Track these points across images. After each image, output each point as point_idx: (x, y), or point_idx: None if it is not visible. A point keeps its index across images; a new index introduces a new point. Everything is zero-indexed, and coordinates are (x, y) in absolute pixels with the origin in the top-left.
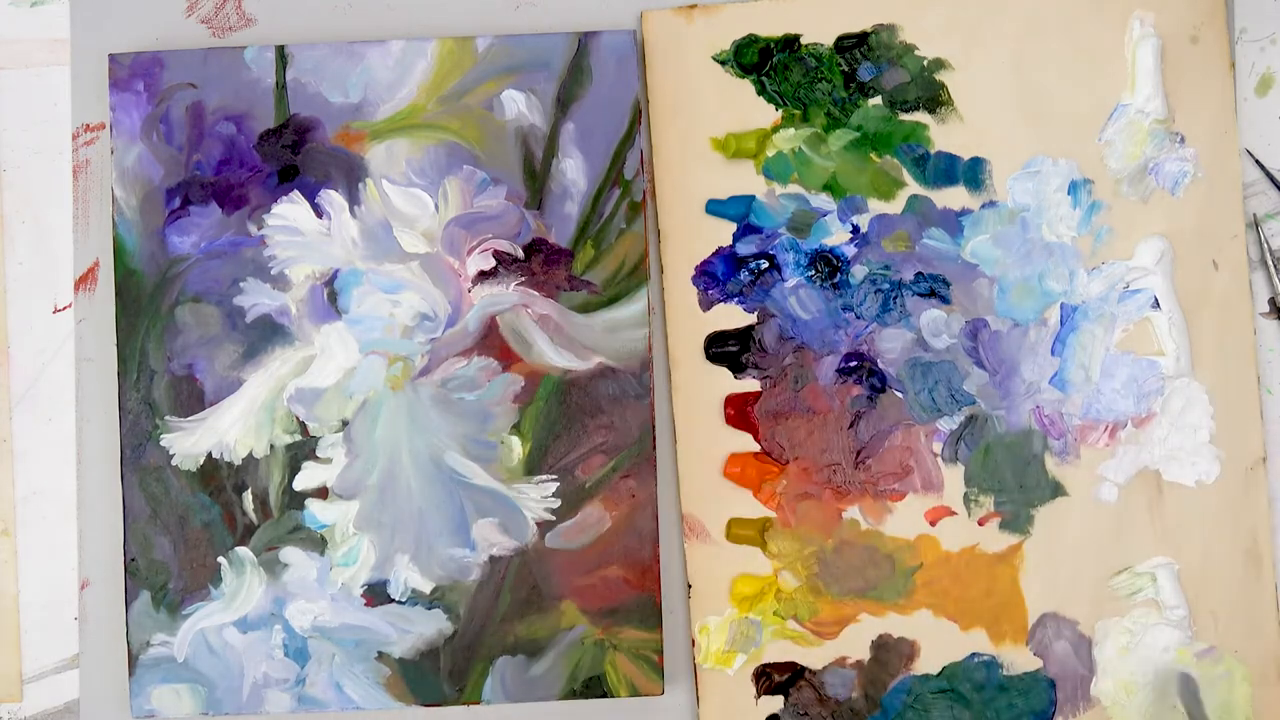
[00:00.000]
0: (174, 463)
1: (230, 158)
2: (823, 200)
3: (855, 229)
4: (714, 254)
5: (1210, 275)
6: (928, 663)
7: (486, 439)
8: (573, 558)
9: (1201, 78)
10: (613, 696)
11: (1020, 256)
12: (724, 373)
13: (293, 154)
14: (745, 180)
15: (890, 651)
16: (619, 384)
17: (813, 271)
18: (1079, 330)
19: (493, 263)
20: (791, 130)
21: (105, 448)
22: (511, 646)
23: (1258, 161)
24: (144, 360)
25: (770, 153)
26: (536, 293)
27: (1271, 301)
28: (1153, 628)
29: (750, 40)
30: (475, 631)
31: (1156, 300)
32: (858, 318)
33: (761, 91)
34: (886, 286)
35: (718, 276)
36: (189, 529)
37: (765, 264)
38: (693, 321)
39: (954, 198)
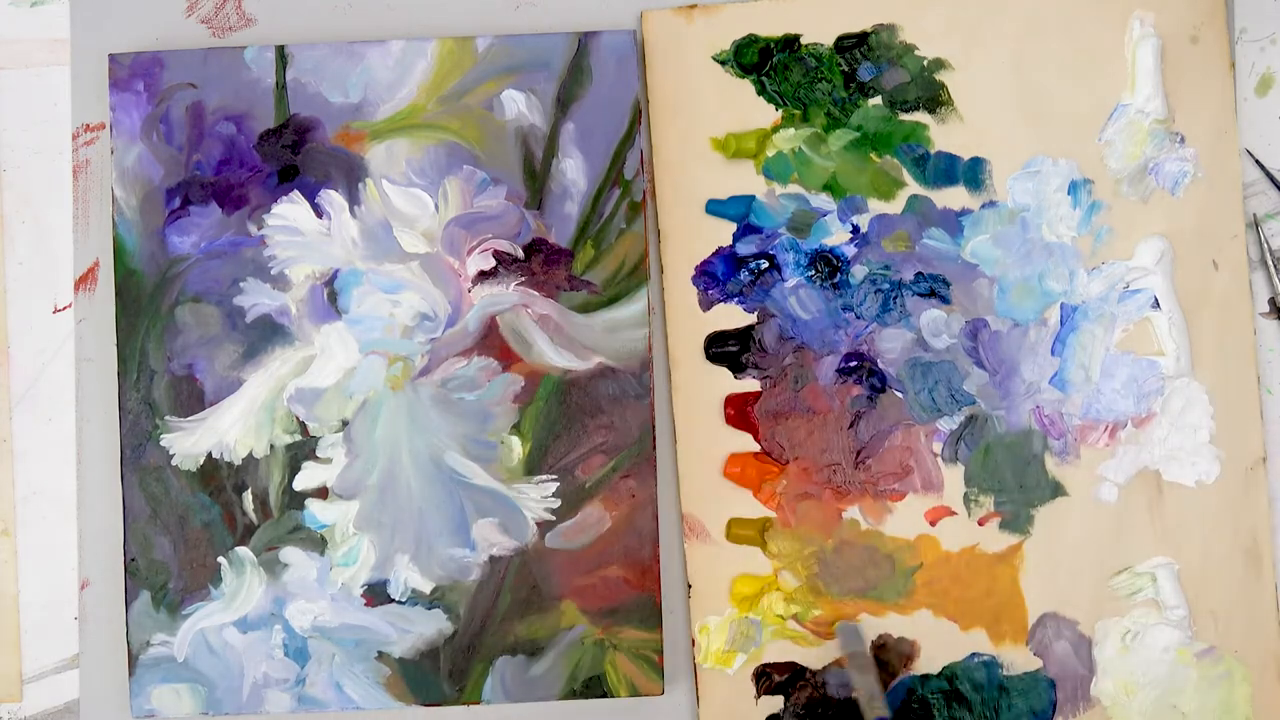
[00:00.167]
0: (174, 463)
1: (230, 158)
2: (823, 200)
3: (855, 229)
4: (714, 254)
5: (1210, 275)
6: (928, 663)
7: (486, 439)
8: (573, 558)
9: (1201, 78)
10: (613, 696)
11: (1020, 256)
12: (724, 373)
13: (293, 154)
14: (745, 180)
15: (890, 651)
16: (619, 384)
17: (813, 271)
18: (1079, 330)
19: (493, 263)
20: (791, 130)
21: (105, 448)
22: (511, 646)
23: (1258, 161)
24: (144, 360)
25: (770, 153)
26: (536, 293)
27: (1271, 301)
28: (1153, 628)
29: (750, 40)
30: (475, 631)
31: (1156, 300)
32: (858, 318)
33: (761, 91)
34: (886, 286)
35: (718, 276)
36: (189, 529)
37: (765, 264)
38: (693, 321)
39: (954, 198)
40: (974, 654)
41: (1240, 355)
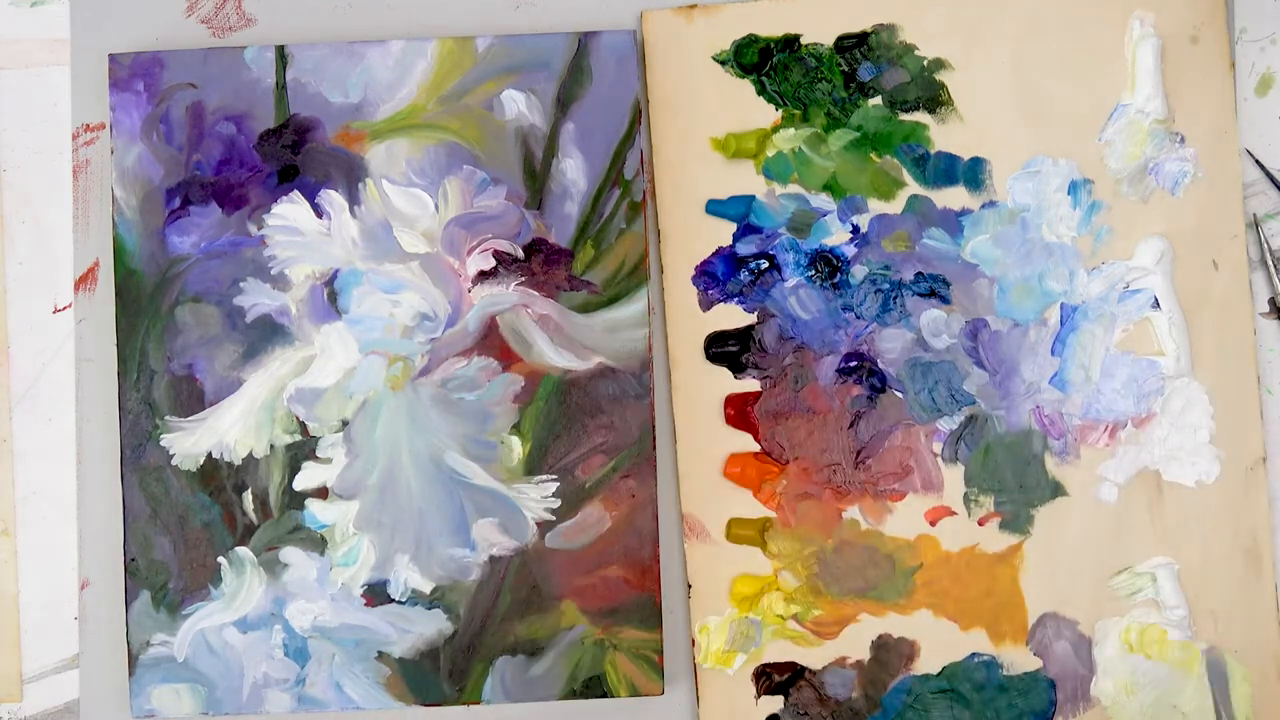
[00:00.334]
0: (174, 463)
1: (230, 158)
2: (823, 200)
3: (855, 229)
4: (714, 254)
5: (1210, 275)
6: (928, 663)
7: (486, 439)
8: (573, 558)
9: (1201, 78)
10: (613, 696)
11: (1020, 256)
12: (724, 373)
13: (293, 154)
14: (745, 180)
15: (890, 651)
16: (619, 384)
17: (813, 271)
18: (1079, 330)
19: (493, 263)
20: (791, 130)
21: (105, 448)
22: (511, 646)
23: (1258, 161)
24: (144, 360)
25: (770, 153)
26: (536, 293)
27: (1271, 301)
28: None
29: (750, 40)
30: (475, 631)
31: (1156, 300)
32: (858, 318)
33: (761, 91)
34: (886, 286)
35: (718, 276)
36: (189, 529)
37: (765, 264)
38: (693, 321)
39: (954, 198)
40: (974, 654)
41: (1240, 355)
